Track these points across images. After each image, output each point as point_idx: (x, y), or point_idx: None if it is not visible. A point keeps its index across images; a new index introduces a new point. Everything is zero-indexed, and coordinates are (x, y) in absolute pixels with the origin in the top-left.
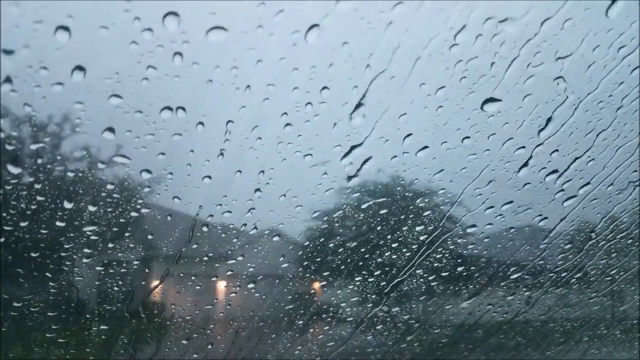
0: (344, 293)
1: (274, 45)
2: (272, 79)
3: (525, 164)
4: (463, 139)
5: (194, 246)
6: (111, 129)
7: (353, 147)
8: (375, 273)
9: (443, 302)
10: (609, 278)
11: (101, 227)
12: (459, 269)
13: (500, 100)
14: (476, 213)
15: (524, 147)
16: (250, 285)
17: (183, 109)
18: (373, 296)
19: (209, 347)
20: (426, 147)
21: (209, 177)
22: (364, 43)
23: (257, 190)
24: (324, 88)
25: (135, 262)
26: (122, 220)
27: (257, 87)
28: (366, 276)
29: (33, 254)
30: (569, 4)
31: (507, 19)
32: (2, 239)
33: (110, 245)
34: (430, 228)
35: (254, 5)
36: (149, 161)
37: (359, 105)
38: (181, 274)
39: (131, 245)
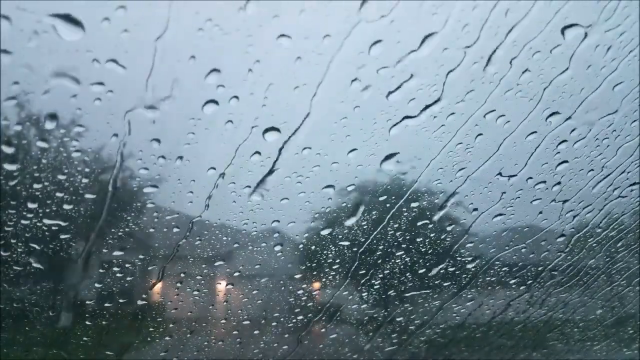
0: (344, 293)
1: (274, 44)
2: (272, 78)
3: (525, 164)
4: (462, 139)
5: (194, 246)
6: (111, 129)
7: (353, 148)
8: (375, 273)
9: (443, 302)
10: (609, 278)
11: (101, 227)
12: (459, 269)
13: (500, 101)
14: (476, 213)
15: (524, 147)
16: (251, 286)
17: (182, 109)
18: (372, 296)
19: (209, 347)
20: (426, 146)
21: (211, 177)
22: (363, 43)
23: (258, 190)
24: (320, 85)
25: (135, 262)
26: (121, 220)
27: (257, 87)
28: (366, 276)
29: (33, 254)
30: (569, 5)
31: (507, 20)
32: (2, 239)
33: (110, 245)
34: (430, 228)
35: (257, 5)
36: (148, 162)
37: (358, 105)
38: (181, 274)
39: (131, 245)
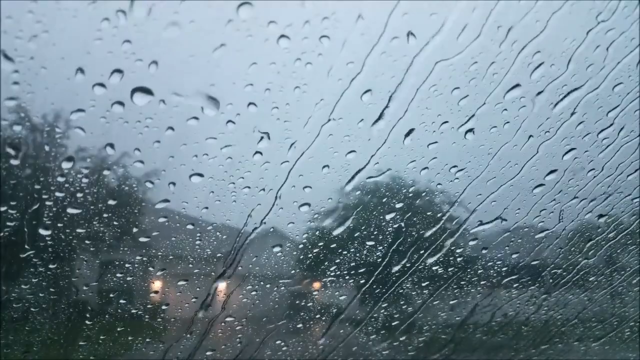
0: (344, 293)
1: (273, 44)
2: (272, 79)
3: (525, 165)
4: (462, 139)
5: (194, 246)
6: (110, 129)
7: (352, 149)
8: (376, 273)
9: (443, 302)
10: (609, 278)
11: (101, 227)
12: (459, 269)
13: (500, 101)
14: (476, 213)
15: (524, 147)
16: (250, 286)
17: (182, 109)
18: (373, 296)
19: (209, 347)
20: (427, 146)
21: (210, 177)
22: (362, 43)
23: (258, 190)
24: (320, 86)
25: (135, 262)
26: (121, 220)
27: (256, 87)
28: (367, 276)
29: (33, 254)
30: (569, 5)
31: (507, 20)
32: (2, 239)
33: (109, 245)
34: (430, 228)
35: (257, 5)
36: (148, 162)
37: (357, 106)
38: (181, 274)
39: (131, 245)
